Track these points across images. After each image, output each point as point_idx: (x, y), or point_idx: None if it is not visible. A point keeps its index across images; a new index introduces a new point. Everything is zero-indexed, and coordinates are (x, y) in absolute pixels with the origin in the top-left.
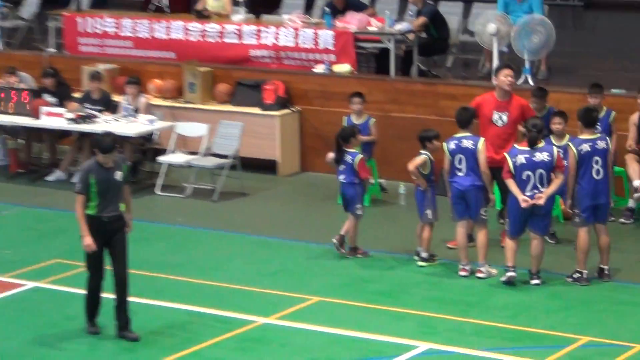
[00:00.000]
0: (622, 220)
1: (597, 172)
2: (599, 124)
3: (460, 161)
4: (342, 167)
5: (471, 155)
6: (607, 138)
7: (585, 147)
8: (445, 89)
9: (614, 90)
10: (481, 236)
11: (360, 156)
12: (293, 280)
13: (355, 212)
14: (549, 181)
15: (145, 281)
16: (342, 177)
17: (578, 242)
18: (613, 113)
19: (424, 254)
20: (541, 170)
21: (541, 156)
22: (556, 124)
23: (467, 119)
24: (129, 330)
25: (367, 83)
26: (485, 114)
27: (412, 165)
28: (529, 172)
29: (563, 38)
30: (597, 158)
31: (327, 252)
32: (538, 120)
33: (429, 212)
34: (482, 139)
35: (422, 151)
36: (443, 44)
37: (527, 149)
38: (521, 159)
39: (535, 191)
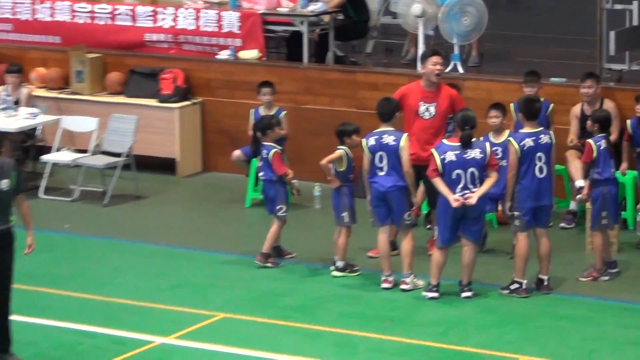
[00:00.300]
0: (562, 224)
1: (540, 169)
2: None
3: (381, 159)
4: (260, 163)
5: (393, 152)
6: (550, 132)
7: (529, 142)
8: (365, 78)
9: (553, 79)
10: (406, 243)
11: (275, 150)
12: (195, 294)
13: (278, 214)
14: (482, 181)
15: (27, 297)
16: (260, 174)
17: (517, 248)
18: (551, 105)
19: (339, 263)
20: (472, 169)
21: (472, 153)
22: (492, 118)
23: (389, 111)
24: (10, 353)
25: (277, 71)
26: (411, 106)
27: (324, 160)
28: (460, 171)
29: (496, 20)
30: (540, 154)
31: (234, 262)
32: (470, 113)
33: (345, 214)
34: (405, 135)
35: (340, 147)
36: (362, 27)
37: (457, 144)
38: (450, 156)
39: (466, 192)
